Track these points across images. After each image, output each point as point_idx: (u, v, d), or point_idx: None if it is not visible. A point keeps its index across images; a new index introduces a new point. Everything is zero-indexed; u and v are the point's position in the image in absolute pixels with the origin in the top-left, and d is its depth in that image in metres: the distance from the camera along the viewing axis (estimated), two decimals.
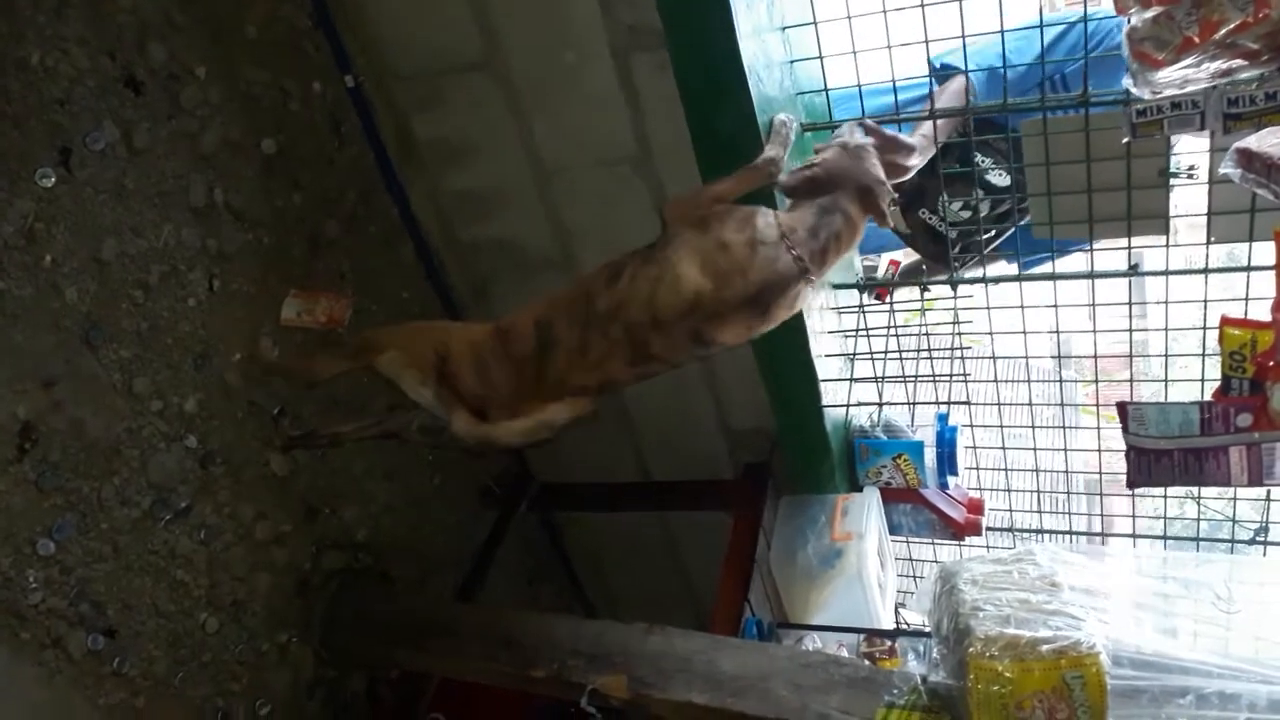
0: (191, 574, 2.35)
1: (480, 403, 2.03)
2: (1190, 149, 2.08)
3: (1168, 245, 2.18)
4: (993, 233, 2.42)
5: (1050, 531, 2.84)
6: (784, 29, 2.21)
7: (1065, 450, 2.62)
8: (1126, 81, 1.58)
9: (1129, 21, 1.56)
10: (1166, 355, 2.36)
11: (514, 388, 1.99)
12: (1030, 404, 2.61)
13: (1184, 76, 1.51)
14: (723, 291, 1.83)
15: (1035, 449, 2.64)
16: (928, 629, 2.10)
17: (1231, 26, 1.41)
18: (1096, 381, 2.56)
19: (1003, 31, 2.05)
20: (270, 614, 2.53)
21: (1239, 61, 1.48)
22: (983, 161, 2.28)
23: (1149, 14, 1.49)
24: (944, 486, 2.70)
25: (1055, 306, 2.37)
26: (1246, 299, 2.10)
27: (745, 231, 1.83)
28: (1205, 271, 2.18)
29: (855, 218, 1.88)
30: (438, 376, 2.04)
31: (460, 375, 2.02)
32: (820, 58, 2.23)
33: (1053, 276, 2.32)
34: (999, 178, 2.28)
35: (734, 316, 1.87)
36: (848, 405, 2.63)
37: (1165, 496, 2.50)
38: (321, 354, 2.41)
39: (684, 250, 1.85)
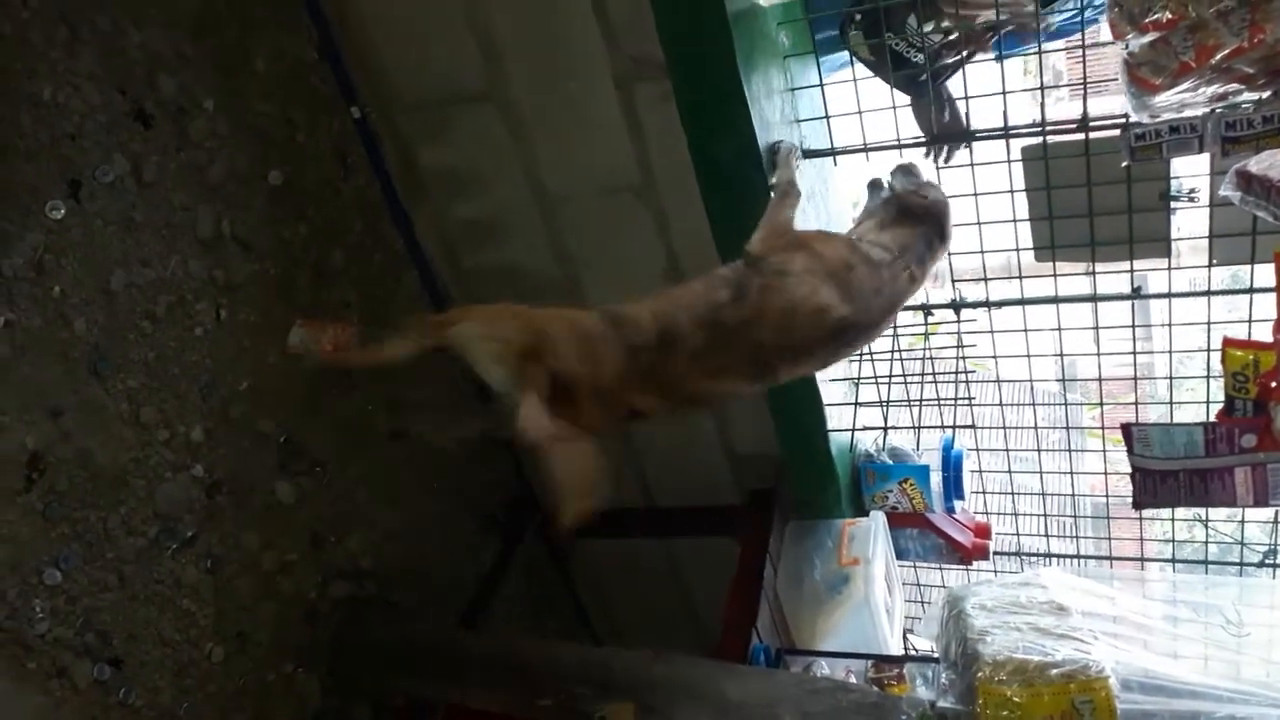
0: (197, 603, 2.34)
1: (574, 384, 1.84)
2: (1191, 172, 2.09)
3: (1170, 268, 2.19)
4: (962, 56, 2.26)
5: (1058, 555, 2.83)
6: (785, 57, 2.24)
7: (1072, 473, 2.61)
8: (1125, 105, 1.60)
9: (1126, 47, 1.58)
10: (1171, 377, 2.36)
11: (621, 372, 1.84)
12: (1036, 427, 2.61)
13: (1181, 100, 1.52)
14: (861, 314, 1.85)
15: (1041, 472, 2.63)
16: (936, 654, 2.10)
17: (1227, 51, 1.42)
18: (1102, 404, 2.56)
19: None
20: (276, 643, 2.52)
21: (1235, 85, 1.49)
22: None
23: (1146, 39, 1.51)
24: (950, 511, 2.69)
25: (1059, 330, 2.38)
26: (1250, 320, 2.10)
27: (858, 253, 1.90)
28: (1208, 294, 2.19)
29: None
30: (523, 353, 1.84)
31: (559, 352, 1.83)
32: (821, 85, 2.26)
33: (1055, 300, 2.32)
34: None
35: (873, 336, 1.99)
36: (853, 430, 2.63)
37: (1173, 519, 2.49)
38: (391, 336, 2.11)
39: (812, 279, 1.84)
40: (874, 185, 2.16)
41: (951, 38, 2.18)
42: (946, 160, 2.27)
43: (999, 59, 2.18)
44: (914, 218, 2.00)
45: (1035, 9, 2.03)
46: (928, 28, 2.13)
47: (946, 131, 2.25)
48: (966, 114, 2.27)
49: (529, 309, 1.98)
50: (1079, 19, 2.07)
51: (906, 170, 2.13)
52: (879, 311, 1.88)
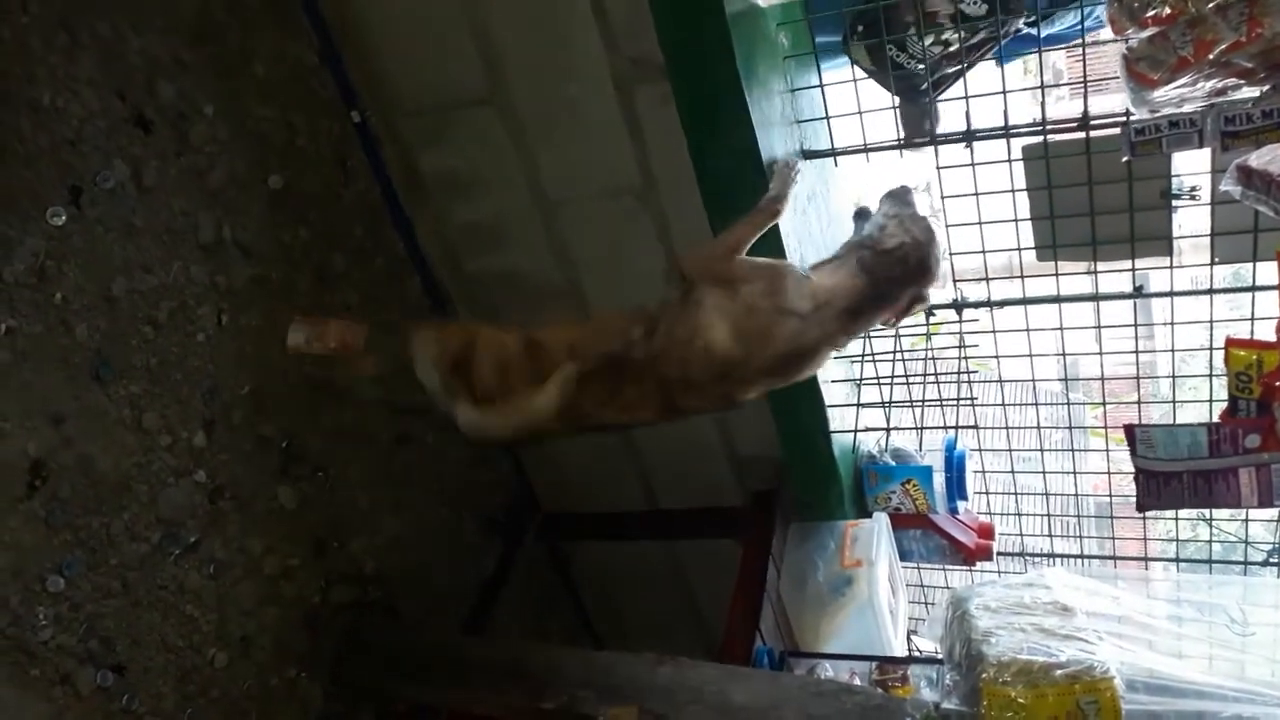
0: (200, 609, 2.34)
1: (489, 396, 2.07)
2: (1192, 170, 2.09)
3: (1172, 266, 2.19)
4: (962, 67, 2.22)
5: (1061, 555, 2.83)
6: (785, 58, 2.24)
7: (1075, 473, 2.60)
8: (1125, 101, 1.60)
9: (1126, 42, 1.58)
10: (1174, 376, 2.35)
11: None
12: (1039, 427, 2.60)
13: (1180, 95, 1.52)
14: (750, 359, 1.88)
15: (1045, 472, 2.63)
16: (940, 656, 2.09)
17: (1225, 46, 1.42)
18: (1104, 404, 2.55)
19: None
20: (278, 649, 2.52)
21: (1234, 80, 1.49)
22: None
23: (1145, 34, 1.51)
24: (954, 511, 2.68)
25: (1060, 329, 2.37)
26: (1252, 319, 2.10)
27: (774, 297, 1.86)
28: (1210, 292, 2.18)
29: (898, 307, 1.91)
30: (452, 364, 2.09)
31: (479, 368, 2.07)
32: (821, 85, 2.25)
33: (1057, 299, 2.32)
34: (974, 6, 2.11)
35: (760, 381, 1.94)
36: (855, 431, 2.63)
37: (1177, 519, 2.49)
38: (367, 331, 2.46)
39: (714, 314, 1.89)
40: (860, 215, 2.03)
41: (951, 49, 2.18)
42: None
43: (999, 60, 2.18)
44: (871, 266, 1.89)
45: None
46: (928, 40, 2.13)
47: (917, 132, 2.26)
48: (968, 114, 2.27)
49: (475, 325, 2.27)
50: (1079, 27, 2.06)
51: (897, 196, 1.98)
52: (772, 359, 1.88)
